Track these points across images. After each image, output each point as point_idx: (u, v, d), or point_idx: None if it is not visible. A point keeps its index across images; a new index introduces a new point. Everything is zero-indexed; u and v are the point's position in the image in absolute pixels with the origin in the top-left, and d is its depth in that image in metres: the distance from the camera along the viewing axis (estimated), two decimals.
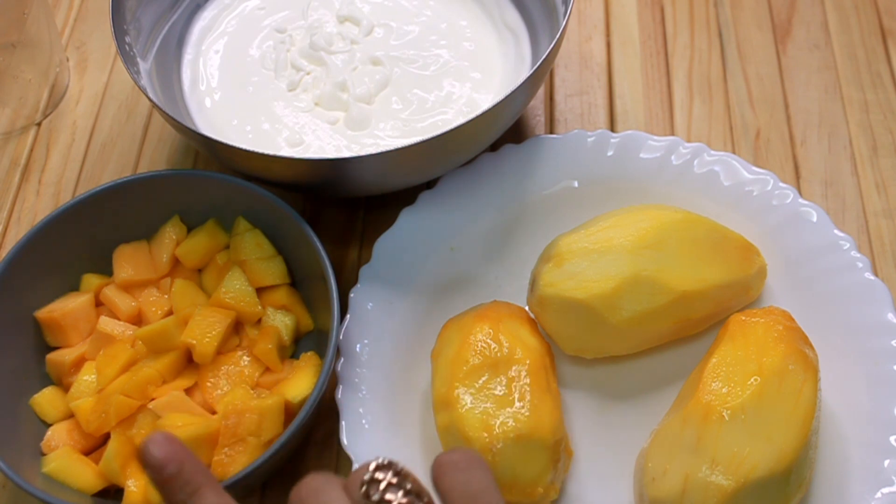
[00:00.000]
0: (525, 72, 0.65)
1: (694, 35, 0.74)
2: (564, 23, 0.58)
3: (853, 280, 0.56)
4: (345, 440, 0.52)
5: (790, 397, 0.49)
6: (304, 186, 0.59)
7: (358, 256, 0.63)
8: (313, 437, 0.57)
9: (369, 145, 0.62)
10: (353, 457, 0.51)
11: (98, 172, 0.68)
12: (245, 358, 0.55)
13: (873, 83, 0.71)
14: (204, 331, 0.54)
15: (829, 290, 0.56)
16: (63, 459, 0.52)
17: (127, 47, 0.61)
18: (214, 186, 0.58)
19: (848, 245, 0.57)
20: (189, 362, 0.55)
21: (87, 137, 0.70)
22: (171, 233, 0.58)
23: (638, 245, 0.53)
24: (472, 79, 0.65)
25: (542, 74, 0.58)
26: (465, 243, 0.61)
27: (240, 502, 0.39)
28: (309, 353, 0.55)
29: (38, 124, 0.71)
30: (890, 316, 0.54)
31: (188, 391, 0.54)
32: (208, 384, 0.54)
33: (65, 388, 0.55)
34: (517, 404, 0.50)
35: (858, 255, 0.57)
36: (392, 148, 0.53)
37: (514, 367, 0.51)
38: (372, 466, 0.36)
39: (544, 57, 0.56)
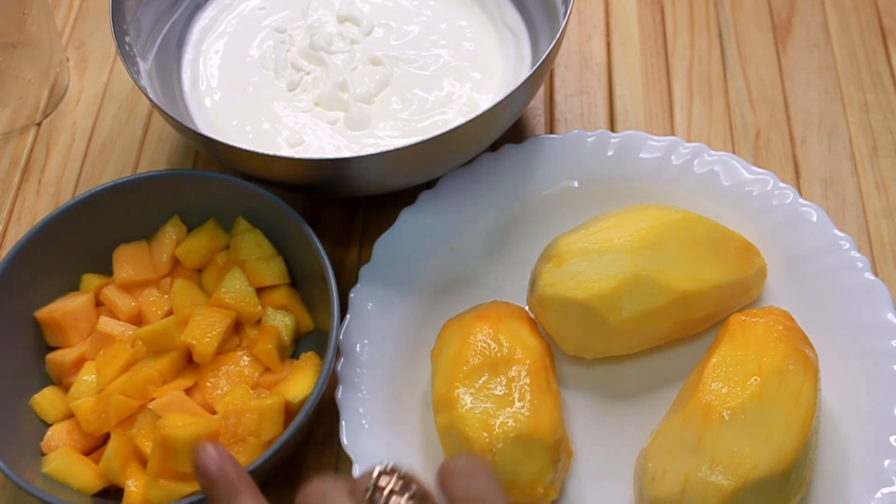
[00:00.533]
0: (525, 72, 0.65)
1: (694, 35, 0.74)
2: (564, 23, 0.58)
3: (853, 280, 0.56)
4: (345, 440, 0.52)
5: (790, 397, 0.49)
6: (304, 186, 0.59)
7: (358, 256, 0.63)
8: (313, 437, 0.56)
9: (369, 145, 0.62)
10: (353, 457, 0.51)
11: (98, 172, 0.68)
12: (245, 358, 0.55)
13: (873, 83, 0.71)
14: (204, 331, 0.54)
15: (829, 290, 0.56)
16: (63, 459, 0.52)
17: (127, 47, 0.61)
18: (214, 186, 0.58)
19: (848, 245, 0.57)
20: (189, 362, 0.55)
21: (87, 137, 0.70)
22: (171, 233, 0.58)
23: (638, 245, 0.53)
24: (472, 79, 0.65)
25: (542, 74, 0.58)
26: (465, 243, 0.61)
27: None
28: (309, 353, 0.55)
29: (38, 124, 0.71)
30: (890, 316, 0.54)
31: (188, 391, 0.54)
32: (208, 384, 0.54)
33: (65, 388, 0.55)
34: (517, 404, 0.50)
35: (858, 255, 0.57)
36: (392, 148, 0.53)
37: (514, 367, 0.51)
38: (376, 471, 0.36)
39: (544, 57, 0.56)
